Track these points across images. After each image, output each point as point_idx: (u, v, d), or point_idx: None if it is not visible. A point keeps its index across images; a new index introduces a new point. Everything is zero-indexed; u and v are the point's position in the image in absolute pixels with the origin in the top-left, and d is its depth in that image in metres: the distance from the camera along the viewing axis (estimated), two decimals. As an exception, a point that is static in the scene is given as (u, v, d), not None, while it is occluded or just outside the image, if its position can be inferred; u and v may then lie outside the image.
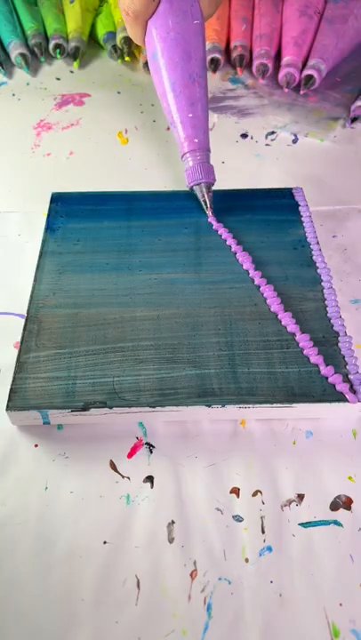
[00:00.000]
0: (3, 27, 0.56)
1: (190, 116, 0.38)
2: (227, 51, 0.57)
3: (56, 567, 0.26)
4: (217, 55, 0.55)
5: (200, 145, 0.38)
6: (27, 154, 0.48)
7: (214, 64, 0.55)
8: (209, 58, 0.55)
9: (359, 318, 0.35)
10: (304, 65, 0.53)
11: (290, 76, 0.52)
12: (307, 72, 0.52)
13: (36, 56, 0.57)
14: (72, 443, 0.30)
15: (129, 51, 0.56)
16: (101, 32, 0.58)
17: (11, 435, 0.30)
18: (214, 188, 0.41)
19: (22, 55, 0.55)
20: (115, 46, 0.57)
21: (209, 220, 0.39)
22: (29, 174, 0.46)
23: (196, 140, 0.38)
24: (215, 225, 0.38)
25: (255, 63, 0.54)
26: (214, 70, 0.55)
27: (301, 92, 0.52)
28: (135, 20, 0.38)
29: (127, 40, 0.56)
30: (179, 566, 0.26)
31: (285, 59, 0.53)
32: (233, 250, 0.37)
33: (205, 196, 0.38)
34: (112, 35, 0.57)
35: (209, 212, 0.39)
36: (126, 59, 0.57)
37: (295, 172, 0.46)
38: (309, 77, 0.52)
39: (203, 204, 0.39)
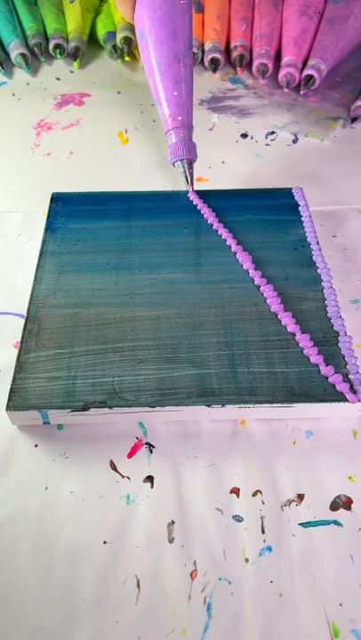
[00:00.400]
0: (3, 27, 0.56)
1: (175, 94, 0.38)
2: (227, 51, 0.57)
3: (56, 567, 0.26)
4: (217, 55, 0.55)
5: (183, 122, 0.39)
6: (27, 154, 0.48)
7: (214, 64, 0.55)
8: (209, 58, 0.55)
9: (359, 318, 0.35)
10: (304, 65, 0.53)
11: (290, 76, 0.52)
12: (307, 72, 0.52)
13: (36, 56, 0.57)
14: (72, 443, 0.30)
15: (129, 51, 0.56)
16: (101, 32, 0.58)
17: (11, 435, 0.30)
18: (214, 187, 0.41)
19: (22, 55, 0.55)
20: (115, 46, 0.57)
21: (189, 195, 0.40)
22: (29, 174, 0.46)
23: (180, 118, 0.39)
24: (215, 225, 0.38)
25: (255, 63, 0.54)
26: (214, 70, 0.55)
27: (301, 92, 0.52)
28: None
29: (127, 40, 0.56)
30: (179, 566, 0.26)
31: (285, 59, 0.53)
32: (233, 250, 0.37)
33: (187, 172, 0.40)
34: (112, 35, 0.57)
35: (190, 188, 0.40)
36: (126, 59, 0.57)
37: (295, 171, 0.46)
38: (309, 77, 0.52)
39: (183, 179, 0.40)
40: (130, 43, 0.56)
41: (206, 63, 0.56)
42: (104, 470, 0.29)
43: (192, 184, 0.40)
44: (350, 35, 0.54)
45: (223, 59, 0.56)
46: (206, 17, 0.57)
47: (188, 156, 0.39)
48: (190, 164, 0.40)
